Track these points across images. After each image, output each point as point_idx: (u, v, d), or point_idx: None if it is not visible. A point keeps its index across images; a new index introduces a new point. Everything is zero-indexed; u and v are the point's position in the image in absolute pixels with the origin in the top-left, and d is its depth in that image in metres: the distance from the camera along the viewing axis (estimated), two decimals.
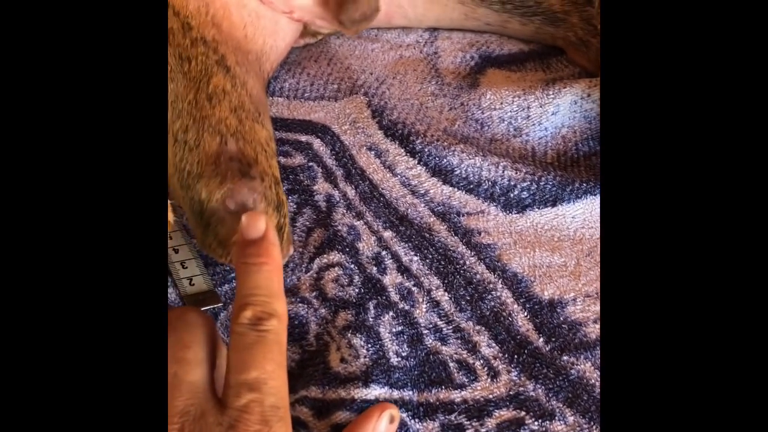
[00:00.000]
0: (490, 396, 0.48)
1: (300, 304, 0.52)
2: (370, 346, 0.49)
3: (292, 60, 0.71)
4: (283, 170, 0.60)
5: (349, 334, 0.50)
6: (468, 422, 0.47)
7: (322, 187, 0.60)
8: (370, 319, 0.51)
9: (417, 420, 0.46)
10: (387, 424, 0.43)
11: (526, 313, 0.52)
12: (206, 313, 0.42)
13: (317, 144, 0.63)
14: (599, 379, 0.49)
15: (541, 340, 0.51)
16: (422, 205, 0.59)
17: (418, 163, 0.61)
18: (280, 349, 0.40)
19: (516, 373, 0.49)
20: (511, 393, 0.48)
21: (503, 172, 0.60)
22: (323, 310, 0.52)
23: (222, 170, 0.50)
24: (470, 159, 0.61)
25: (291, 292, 0.53)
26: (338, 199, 0.59)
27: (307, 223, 0.57)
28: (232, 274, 0.53)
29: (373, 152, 0.62)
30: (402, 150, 0.62)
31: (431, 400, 0.48)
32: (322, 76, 0.70)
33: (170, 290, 0.52)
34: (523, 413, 0.47)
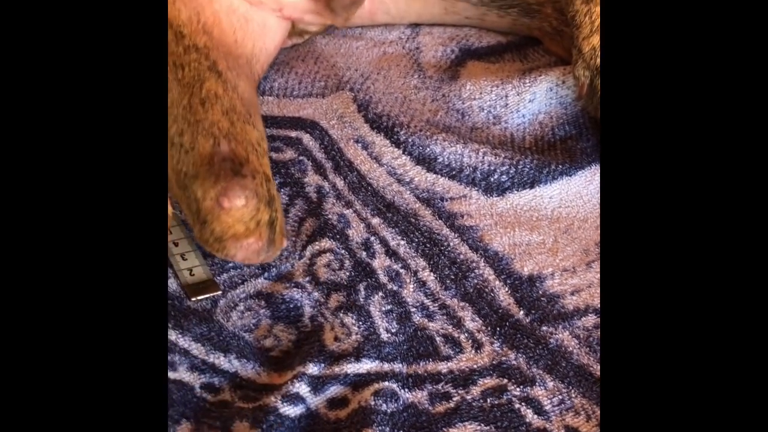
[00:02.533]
0: (475, 366, 0.51)
1: (294, 289, 0.55)
2: (361, 323, 0.53)
3: (281, 60, 0.75)
4: (275, 165, 0.64)
5: (342, 314, 0.53)
6: (454, 390, 0.50)
7: (312, 179, 0.63)
8: (361, 300, 0.54)
9: (406, 390, 0.50)
10: None
11: (507, 289, 0.55)
12: None
13: (307, 139, 0.66)
14: (577, 348, 0.52)
15: (522, 312, 0.54)
16: (408, 192, 0.62)
17: (403, 153, 0.65)
18: None
19: (498, 344, 0.52)
20: (494, 362, 0.51)
21: (483, 157, 0.64)
22: (316, 294, 0.55)
23: (215, 170, 0.53)
24: (452, 147, 0.64)
25: (285, 278, 0.56)
26: (328, 190, 0.62)
27: (299, 213, 0.61)
28: (230, 264, 0.57)
29: (360, 144, 0.66)
30: (387, 141, 0.66)
31: (419, 372, 0.51)
32: (310, 74, 0.73)
33: (171, 280, 0.56)
34: (506, 380, 0.50)
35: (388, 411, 0.49)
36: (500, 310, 0.54)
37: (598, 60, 0.61)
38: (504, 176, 0.62)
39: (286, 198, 0.62)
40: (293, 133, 0.67)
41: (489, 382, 0.51)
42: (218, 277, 0.56)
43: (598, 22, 0.60)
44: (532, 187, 0.62)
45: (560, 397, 0.50)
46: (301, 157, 0.65)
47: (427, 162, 0.64)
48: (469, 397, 0.50)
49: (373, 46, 0.76)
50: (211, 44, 0.59)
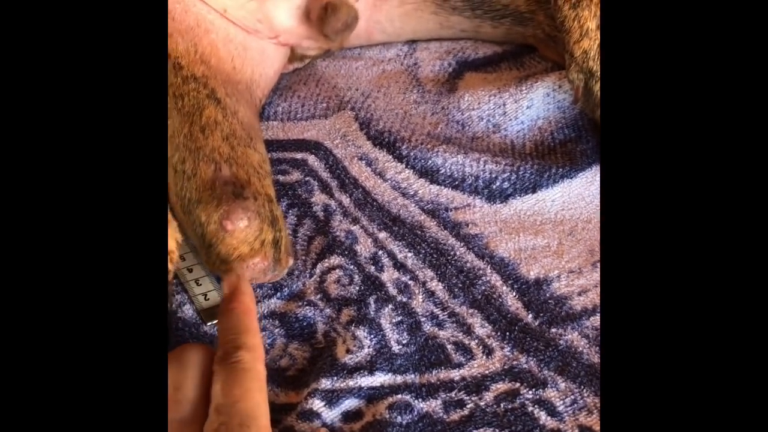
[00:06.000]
0: (486, 372, 0.52)
1: (307, 307, 0.56)
2: (372, 336, 0.54)
3: (283, 85, 0.76)
4: (282, 187, 0.65)
5: (353, 328, 0.54)
6: (468, 397, 0.51)
7: (319, 198, 0.64)
8: (372, 313, 0.55)
9: (420, 400, 0.51)
10: None
11: (514, 293, 0.56)
12: (205, 348, 0.46)
13: (312, 160, 0.68)
14: (587, 347, 0.53)
15: (530, 316, 0.55)
16: (413, 205, 0.63)
17: (406, 167, 0.66)
18: (250, 375, 0.44)
19: (509, 348, 0.53)
20: (505, 367, 0.52)
21: (485, 166, 0.64)
22: (328, 310, 0.56)
23: (217, 194, 0.55)
24: (453, 157, 0.65)
25: (297, 296, 0.57)
26: (335, 208, 0.63)
27: (308, 232, 0.62)
28: None
29: (363, 161, 0.67)
30: (390, 156, 0.67)
31: (432, 381, 0.52)
32: (312, 96, 0.75)
33: (187, 306, 0.57)
34: (518, 384, 0.51)
35: (404, 423, 0.50)
36: (509, 315, 0.55)
37: (591, 63, 0.61)
38: (506, 183, 0.63)
39: (295, 218, 0.63)
40: (298, 155, 0.68)
41: (501, 386, 0.51)
42: None
43: (587, 25, 0.61)
44: (534, 191, 0.62)
45: (573, 397, 0.50)
46: (307, 178, 0.66)
47: (429, 174, 0.65)
48: (482, 403, 0.50)
49: (372, 65, 0.77)
50: (209, 73, 0.61)
